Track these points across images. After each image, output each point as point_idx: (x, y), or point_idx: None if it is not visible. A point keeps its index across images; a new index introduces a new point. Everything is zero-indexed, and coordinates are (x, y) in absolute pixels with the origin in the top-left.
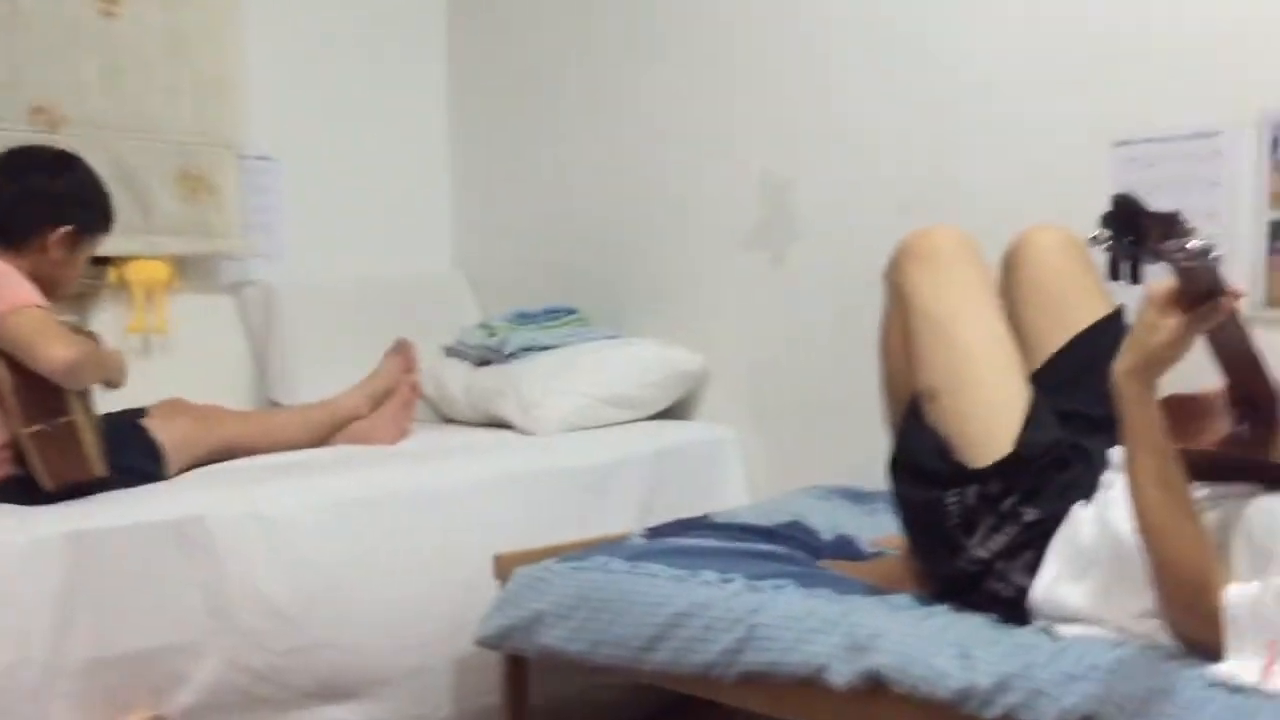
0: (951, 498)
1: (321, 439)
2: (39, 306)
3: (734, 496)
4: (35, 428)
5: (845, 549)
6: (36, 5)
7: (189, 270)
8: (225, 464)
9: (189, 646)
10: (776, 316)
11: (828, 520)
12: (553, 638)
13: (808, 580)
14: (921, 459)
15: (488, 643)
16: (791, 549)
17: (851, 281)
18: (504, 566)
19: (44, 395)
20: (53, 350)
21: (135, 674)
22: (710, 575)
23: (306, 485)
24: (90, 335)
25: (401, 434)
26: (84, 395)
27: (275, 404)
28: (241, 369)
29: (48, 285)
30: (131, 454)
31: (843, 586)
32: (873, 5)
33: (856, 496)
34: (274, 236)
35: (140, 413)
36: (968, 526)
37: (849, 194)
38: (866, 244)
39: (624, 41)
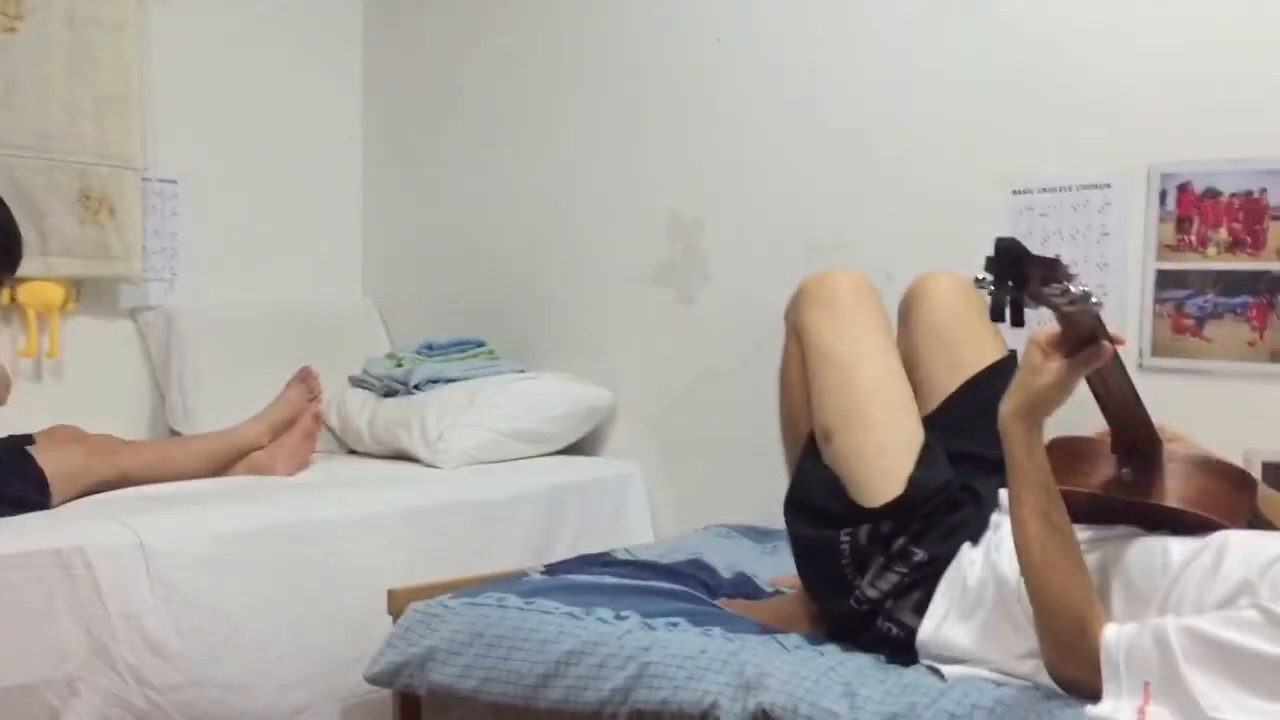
0: (844, 537)
1: (219, 469)
2: None
3: (637, 533)
4: None
5: (744, 587)
6: None
7: (87, 293)
8: (111, 494)
9: (66, 682)
10: (684, 354)
11: (727, 558)
12: (445, 674)
13: (702, 618)
14: (816, 498)
15: (378, 680)
16: (690, 587)
17: (758, 321)
18: (398, 602)
19: None
20: None
21: (9, 711)
22: (605, 613)
23: (194, 517)
24: None
25: (302, 465)
26: None
27: (174, 432)
28: (139, 396)
29: None
30: (15, 481)
31: (736, 625)
32: (782, 52)
33: (758, 535)
34: (177, 261)
35: (27, 439)
36: (859, 566)
37: (757, 235)
38: (774, 285)
39: (539, 78)
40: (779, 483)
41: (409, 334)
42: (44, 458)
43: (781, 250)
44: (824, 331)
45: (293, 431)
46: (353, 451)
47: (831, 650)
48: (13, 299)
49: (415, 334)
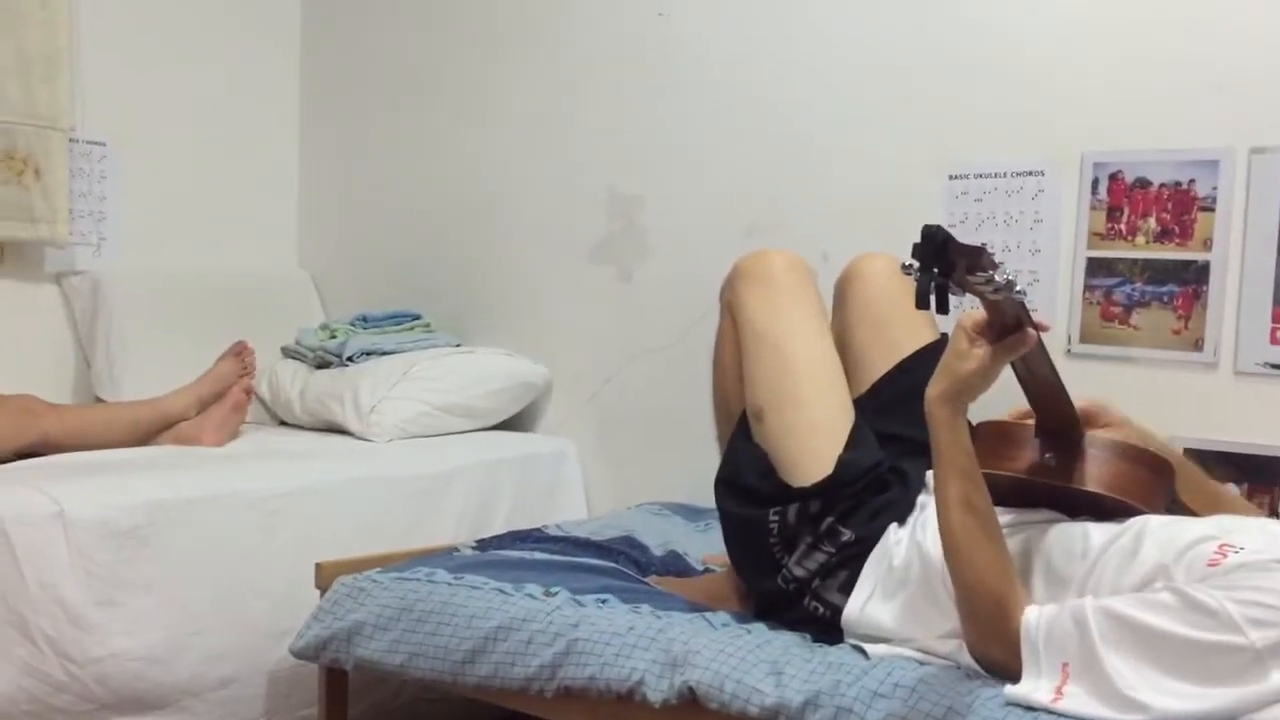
0: (773, 516)
1: (144, 439)
2: None
3: (570, 510)
4: None
5: (675, 565)
6: None
7: (10, 256)
8: (31, 461)
9: None
10: (622, 331)
11: (660, 536)
12: (371, 649)
13: (631, 596)
14: (746, 477)
15: (304, 654)
16: (621, 564)
17: (695, 300)
18: (325, 576)
19: None
20: None
21: None
22: (534, 589)
23: (115, 485)
24: None
25: (229, 437)
26: None
27: (99, 400)
28: (64, 362)
29: None
30: None
31: (665, 603)
32: (723, 30)
33: (691, 513)
34: (105, 225)
35: None
36: (787, 545)
37: (696, 214)
38: (712, 264)
39: (477, 50)
40: (712, 461)
41: (344, 306)
42: None
43: (720, 229)
44: (758, 310)
45: (221, 403)
46: (283, 423)
47: (759, 629)
48: None
49: (350, 306)
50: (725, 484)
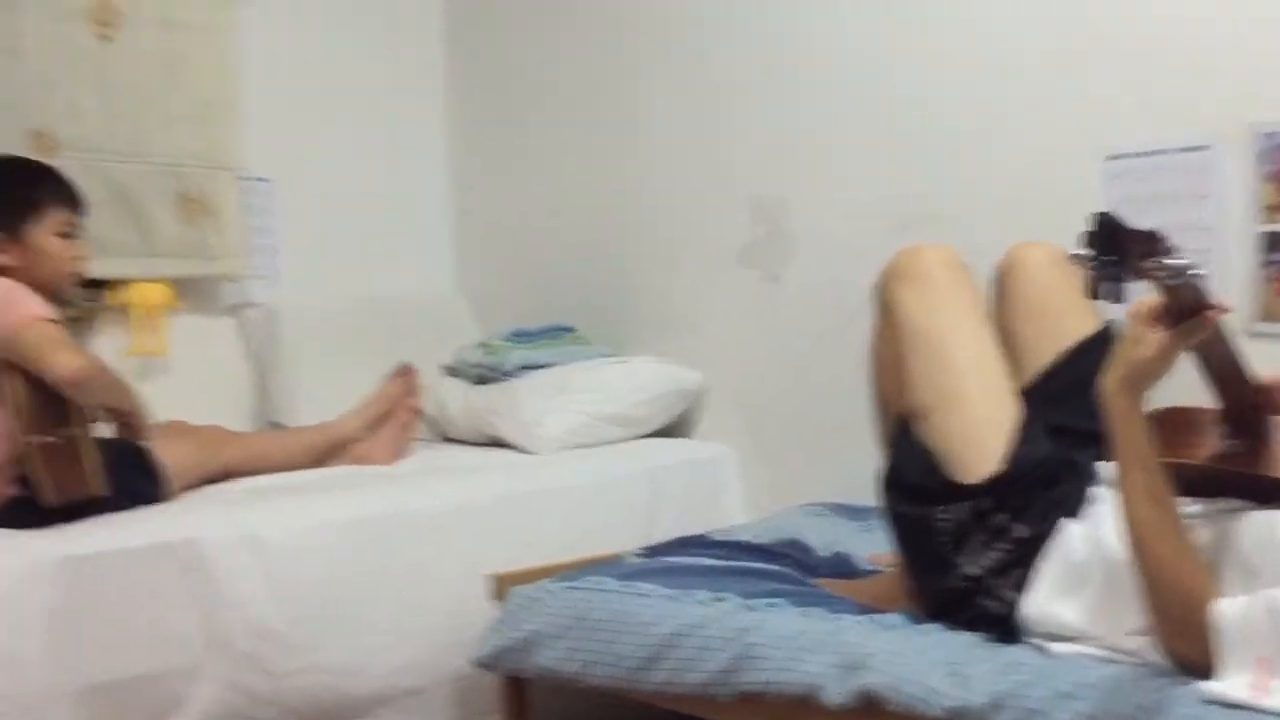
0: (942, 515)
1: (320, 461)
2: (50, 320)
3: (731, 514)
4: (40, 439)
5: (841, 567)
6: (36, 29)
7: (189, 293)
8: (221, 486)
9: (187, 670)
10: (773, 334)
11: (824, 538)
12: (548, 658)
13: (801, 599)
14: (912, 476)
15: (485, 664)
16: (787, 567)
17: (847, 298)
18: (500, 586)
19: (51, 409)
20: (60, 358)
21: (133, 699)
22: (703, 595)
23: (301, 507)
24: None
25: (399, 455)
26: (88, 416)
27: (276, 425)
28: (242, 391)
29: (49, 290)
30: (134, 476)
31: (836, 605)
32: (859, 23)
33: (853, 513)
34: (274, 258)
35: None
36: (958, 543)
37: (842, 213)
38: (861, 261)
39: (620, 63)
40: (870, 460)
41: (498, 323)
42: (160, 453)
43: (866, 226)
44: (916, 308)
45: (391, 423)
46: (449, 439)
47: (933, 629)
48: (120, 301)
49: (504, 323)
50: (891, 484)
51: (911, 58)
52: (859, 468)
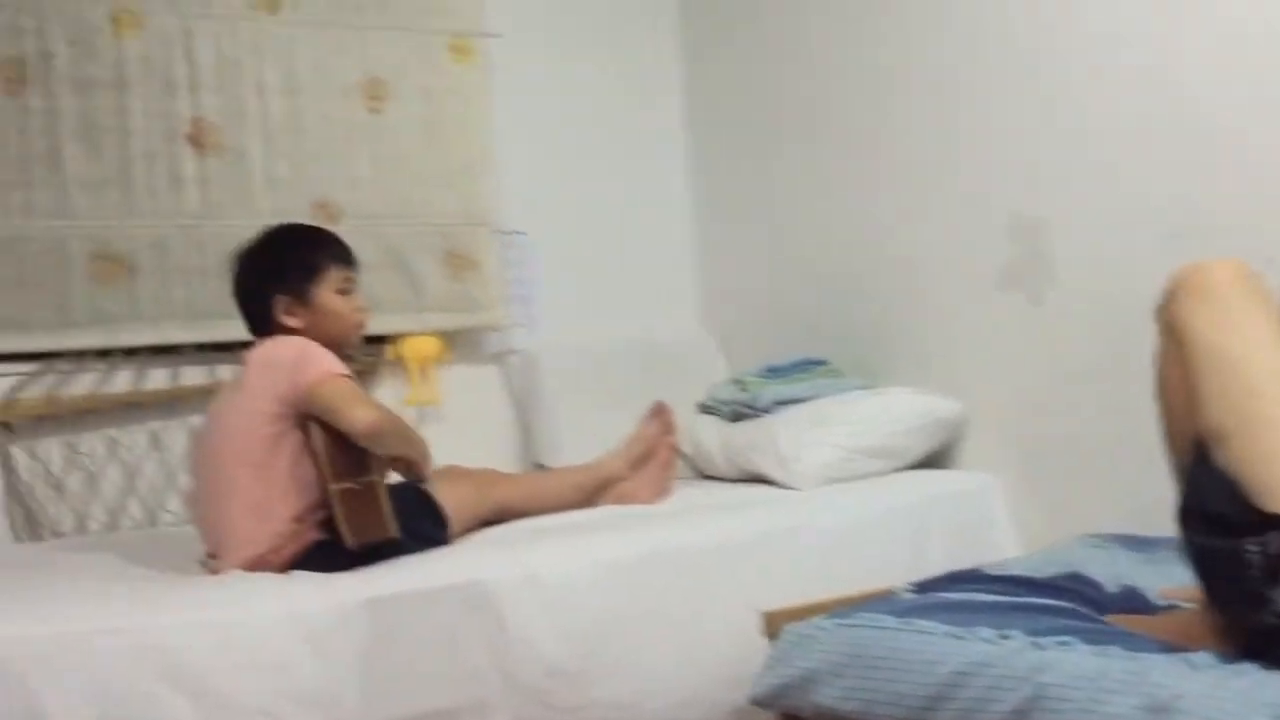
0: (1251, 546)
1: (587, 501)
2: (344, 376)
3: (1003, 547)
4: (342, 485)
5: (1133, 602)
6: (313, 107)
7: (457, 343)
8: (500, 528)
9: (481, 705)
10: (1037, 358)
11: (1108, 571)
12: (826, 696)
13: (1094, 636)
14: (1214, 505)
15: (762, 701)
16: (1073, 603)
17: (1117, 318)
18: (773, 624)
19: (351, 457)
20: (357, 413)
21: None
22: (987, 632)
23: (576, 547)
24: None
25: (663, 493)
26: (383, 463)
27: (540, 466)
28: (508, 434)
29: (337, 346)
30: (420, 519)
31: (1134, 643)
32: (1121, 23)
33: (1136, 544)
34: (531, 307)
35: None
36: (1272, 576)
37: (1109, 229)
38: (1132, 280)
39: (863, 88)
40: (1153, 488)
41: (747, 359)
42: (442, 496)
43: (1135, 242)
44: (1206, 328)
45: (652, 462)
46: (707, 476)
47: (1250, 669)
48: (397, 354)
49: (752, 358)
50: (1190, 514)
51: (1179, 54)
52: (1140, 496)
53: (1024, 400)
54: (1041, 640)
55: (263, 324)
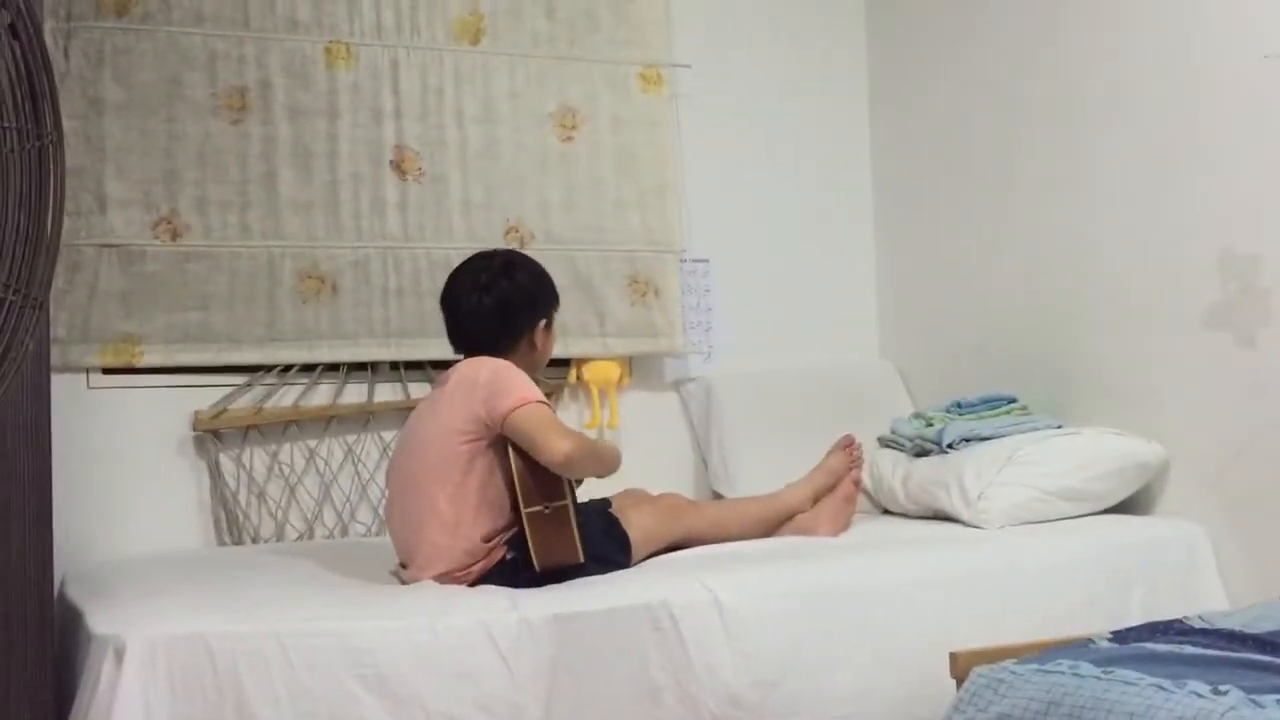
0: None
1: (769, 531)
2: (541, 403)
3: (1208, 599)
4: (535, 509)
5: None
6: (512, 136)
7: (637, 369)
8: (683, 553)
9: None
10: (1247, 403)
11: None
12: None
13: None
14: None
15: None
16: None
17: None
18: (960, 665)
19: (545, 481)
20: (553, 443)
21: None
22: (1199, 686)
23: (759, 575)
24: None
25: (844, 527)
26: (574, 486)
27: (716, 494)
28: (685, 460)
29: (531, 371)
30: (604, 542)
31: None
32: None
33: None
34: (711, 334)
35: (606, 502)
36: None
37: None
38: None
39: (1057, 117)
40: None
41: (928, 393)
42: (627, 521)
43: None
44: None
45: (834, 495)
46: (887, 511)
47: None
48: (579, 378)
49: (935, 393)
50: None
51: None
52: None
53: (1232, 445)
54: (1260, 698)
55: (488, 345)
